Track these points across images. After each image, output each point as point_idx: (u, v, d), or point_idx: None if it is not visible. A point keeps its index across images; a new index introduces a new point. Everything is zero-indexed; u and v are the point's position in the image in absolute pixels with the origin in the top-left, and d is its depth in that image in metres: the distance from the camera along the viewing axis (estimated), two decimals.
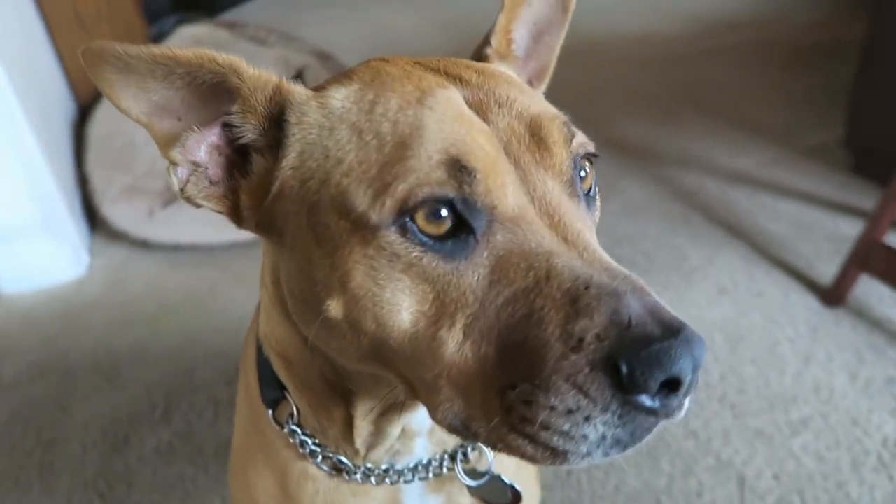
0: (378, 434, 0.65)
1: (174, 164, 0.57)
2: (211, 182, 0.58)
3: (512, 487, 0.72)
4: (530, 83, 0.70)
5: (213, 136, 0.57)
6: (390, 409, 0.63)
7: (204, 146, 0.57)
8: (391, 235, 0.49)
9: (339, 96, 0.55)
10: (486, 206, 0.50)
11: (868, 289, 1.74)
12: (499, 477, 0.71)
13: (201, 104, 0.56)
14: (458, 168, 0.49)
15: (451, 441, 0.71)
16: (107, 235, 2.10)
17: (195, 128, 0.56)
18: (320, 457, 0.67)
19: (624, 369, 0.43)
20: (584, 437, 0.45)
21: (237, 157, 0.58)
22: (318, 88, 0.58)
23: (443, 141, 0.50)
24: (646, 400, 0.44)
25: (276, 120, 0.56)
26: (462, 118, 0.52)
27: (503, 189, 0.50)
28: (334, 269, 0.51)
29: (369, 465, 0.67)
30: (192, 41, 2.67)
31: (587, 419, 0.45)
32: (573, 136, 0.56)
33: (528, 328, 0.47)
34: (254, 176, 0.57)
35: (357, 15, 4.15)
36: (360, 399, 0.63)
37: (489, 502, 0.71)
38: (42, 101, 2.03)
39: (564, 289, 0.47)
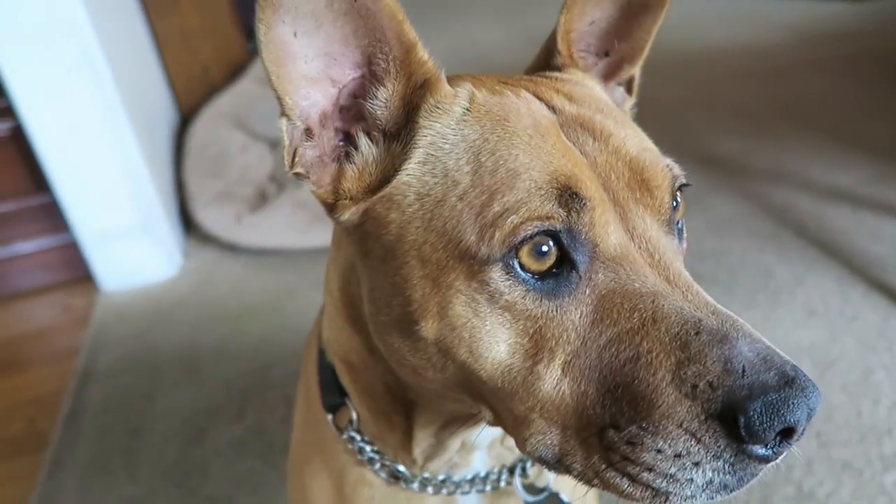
0: (437, 445, 0.65)
1: (289, 116, 0.52)
2: (321, 160, 0.55)
3: None
4: (620, 65, 0.69)
5: (333, 98, 0.54)
6: (451, 423, 0.64)
7: (321, 109, 0.54)
8: (496, 272, 0.49)
9: (467, 107, 0.54)
10: (589, 241, 0.50)
11: None
12: (556, 494, 0.70)
13: (352, 61, 0.53)
14: (570, 195, 0.49)
15: (510, 455, 0.70)
16: (199, 239, 2.22)
17: (332, 80, 0.53)
18: (378, 464, 0.68)
19: (742, 421, 0.44)
20: (691, 480, 0.46)
21: (347, 139, 0.56)
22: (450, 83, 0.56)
23: (553, 171, 0.50)
24: (760, 449, 0.45)
25: (409, 112, 0.55)
26: (569, 151, 0.52)
27: (606, 226, 0.50)
28: (434, 293, 0.51)
29: (426, 475, 0.68)
30: None
31: (696, 464, 0.45)
32: (676, 180, 0.56)
33: (634, 370, 0.47)
34: (360, 164, 0.55)
35: (442, 29, 4.21)
36: (421, 410, 0.63)
37: None
38: (147, 113, 2.17)
39: (673, 333, 0.47)
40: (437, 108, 0.54)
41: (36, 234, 2.05)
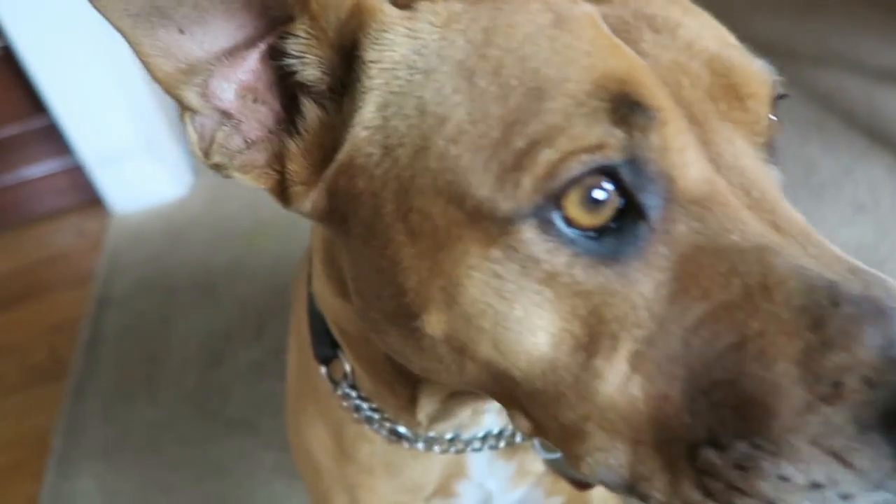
0: (445, 411, 0.58)
1: (190, 110, 0.41)
2: (247, 143, 0.43)
3: None
4: None
5: (248, 70, 0.42)
6: (463, 393, 0.54)
7: (235, 86, 0.42)
8: (528, 232, 0.36)
9: (437, 22, 0.40)
10: (663, 175, 0.36)
11: None
12: None
13: (232, 18, 0.40)
14: (628, 107, 0.35)
15: None
16: None
17: (221, 57, 0.41)
18: (377, 423, 0.60)
19: None
20: None
21: (283, 108, 0.44)
22: (401, 7, 0.43)
23: (599, 77, 0.36)
24: None
25: (347, 54, 0.41)
26: (616, 48, 0.38)
27: (684, 152, 0.36)
28: (436, 275, 0.38)
29: (432, 435, 0.60)
30: None
31: (845, 498, 0.32)
32: (775, 86, 0.41)
33: (740, 363, 0.33)
34: (306, 134, 0.43)
35: None
36: (429, 383, 0.54)
37: (564, 474, 0.64)
38: None
39: (796, 305, 0.33)
40: (386, 31, 0.40)
41: (41, 159, 1.99)
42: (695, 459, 0.34)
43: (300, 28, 0.41)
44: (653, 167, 0.36)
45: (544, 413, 0.39)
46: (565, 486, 0.70)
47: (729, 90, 0.39)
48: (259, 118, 0.43)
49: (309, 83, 0.42)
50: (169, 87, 0.41)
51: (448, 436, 0.60)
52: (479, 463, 0.65)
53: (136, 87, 1.87)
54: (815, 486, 0.32)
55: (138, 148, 1.91)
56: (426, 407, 0.56)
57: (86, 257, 1.89)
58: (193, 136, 0.42)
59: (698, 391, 0.34)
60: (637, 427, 0.36)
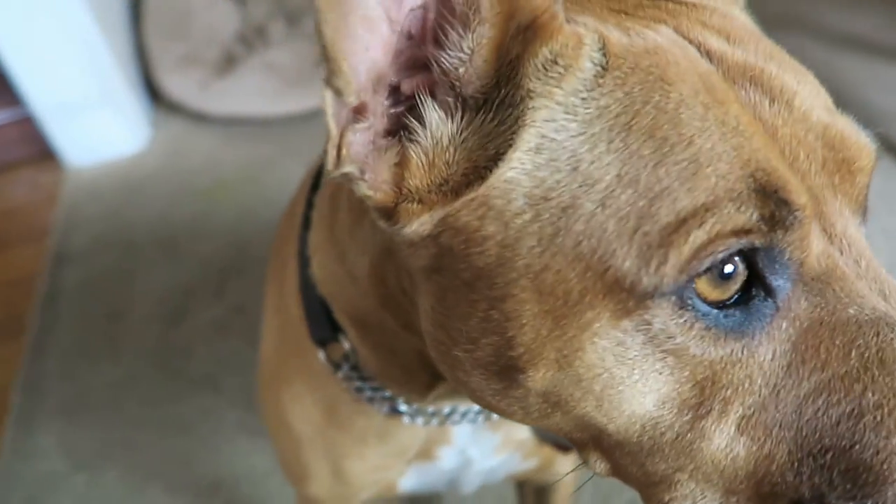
0: (453, 393, 0.58)
1: (340, 89, 0.36)
2: (376, 145, 0.39)
3: None
4: None
5: (400, 42, 0.37)
6: None
7: (378, 69, 0.37)
8: (666, 309, 0.36)
9: (599, 62, 0.38)
10: (794, 261, 0.37)
11: None
12: None
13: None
14: (776, 202, 0.35)
15: None
16: (166, 108, 2.08)
17: (390, 18, 0.36)
18: (378, 402, 0.61)
19: None
20: None
21: (405, 108, 0.39)
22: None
23: (748, 161, 0.36)
24: None
25: (504, 71, 0.37)
26: (757, 128, 0.38)
27: (812, 236, 0.37)
28: (556, 337, 0.38)
29: (431, 410, 0.61)
30: None
31: None
32: (876, 157, 0.43)
33: (855, 432, 0.36)
34: (429, 146, 0.39)
35: None
36: None
37: (548, 440, 0.66)
38: None
39: None
40: (556, 63, 0.37)
41: None
42: None
43: (483, 26, 0.36)
44: (787, 256, 0.37)
45: (630, 460, 0.40)
46: (540, 450, 0.72)
47: (842, 165, 0.40)
48: (385, 112, 0.39)
49: (448, 79, 0.38)
50: (339, 48, 0.35)
51: (446, 410, 0.61)
52: (464, 431, 0.67)
53: (90, 34, 1.80)
54: None
55: (93, 99, 1.84)
56: (439, 389, 0.57)
57: (41, 212, 1.84)
58: (331, 122, 0.37)
59: (807, 454, 0.37)
60: (734, 480, 0.38)
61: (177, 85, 1.99)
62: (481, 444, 0.69)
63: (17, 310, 1.58)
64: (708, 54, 0.40)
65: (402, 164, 0.39)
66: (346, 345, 0.59)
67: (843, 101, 0.39)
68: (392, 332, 0.54)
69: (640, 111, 0.37)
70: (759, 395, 0.37)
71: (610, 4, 0.44)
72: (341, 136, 0.38)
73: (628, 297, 0.36)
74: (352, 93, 0.36)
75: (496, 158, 0.38)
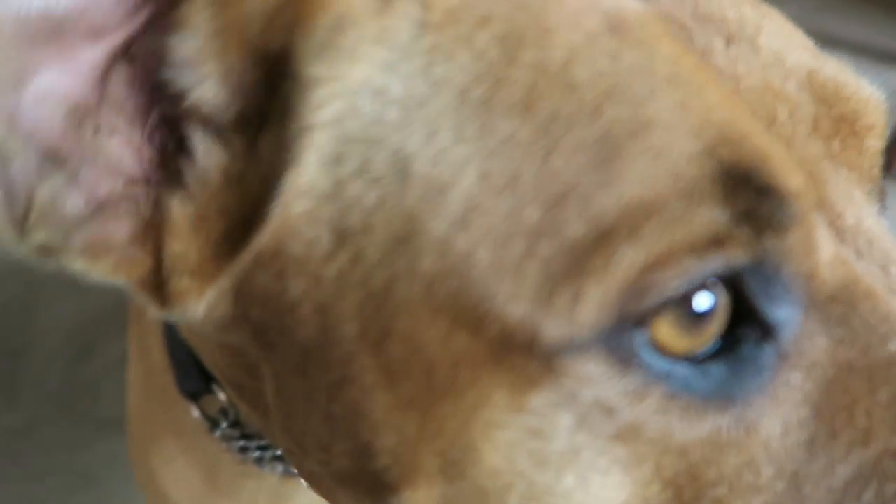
0: None
1: None
2: (94, 205, 0.27)
3: None
4: None
5: (83, 76, 0.26)
6: None
7: (75, 101, 0.26)
8: (596, 367, 0.24)
9: (425, 20, 0.26)
10: (799, 277, 0.25)
11: None
12: None
13: None
14: (754, 192, 0.24)
15: None
16: None
17: (44, 37, 0.24)
18: (268, 463, 0.50)
19: None
20: None
21: (159, 147, 0.28)
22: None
23: (697, 128, 0.24)
24: None
25: (273, 65, 0.26)
26: (708, 76, 0.26)
27: (816, 232, 0.26)
28: (430, 436, 0.26)
29: None
30: None
31: None
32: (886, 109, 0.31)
33: None
34: (200, 193, 0.28)
35: None
36: None
37: None
38: None
39: None
40: (341, 33, 0.25)
41: None
42: None
43: (195, 15, 0.25)
44: (787, 270, 0.25)
45: None
46: None
47: (842, 124, 0.28)
48: (111, 162, 0.27)
49: (205, 109, 0.26)
50: None
51: None
52: None
53: None
54: None
55: None
56: None
57: None
58: None
59: None
60: None
61: None
62: None
63: None
64: None
65: (155, 223, 0.27)
66: (223, 397, 0.48)
67: None
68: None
69: (505, 78, 0.25)
70: (772, 494, 0.25)
71: None
72: (28, 200, 0.25)
73: (529, 360, 0.24)
74: (13, 144, 0.24)
75: (277, 188, 0.26)
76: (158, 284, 0.28)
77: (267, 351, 0.29)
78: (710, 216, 0.23)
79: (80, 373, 1.33)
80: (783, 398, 0.25)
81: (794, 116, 0.27)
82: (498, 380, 0.25)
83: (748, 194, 0.24)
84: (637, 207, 0.23)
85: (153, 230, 0.28)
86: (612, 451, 0.25)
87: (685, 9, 0.28)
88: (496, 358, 0.25)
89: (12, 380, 1.34)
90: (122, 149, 0.27)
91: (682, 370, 0.25)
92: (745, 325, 0.25)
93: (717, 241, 0.23)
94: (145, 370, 0.59)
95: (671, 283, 0.23)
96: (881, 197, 0.31)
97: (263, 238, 0.26)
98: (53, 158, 0.26)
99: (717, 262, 0.24)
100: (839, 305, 0.26)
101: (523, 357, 0.24)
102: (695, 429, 0.25)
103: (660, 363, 0.24)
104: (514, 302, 0.24)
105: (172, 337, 0.50)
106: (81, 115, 0.26)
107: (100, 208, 0.27)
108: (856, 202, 0.28)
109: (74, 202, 0.27)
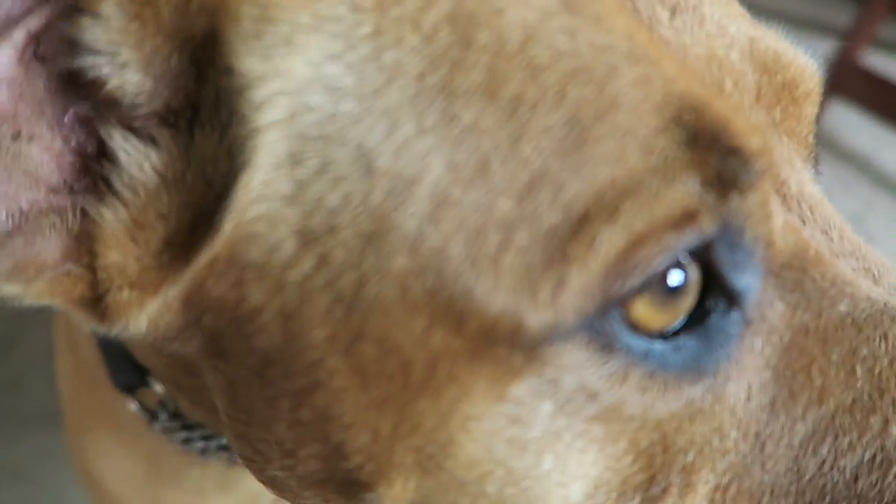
0: None
1: None
2: (13, 218, 0.25)
3: None
4: None
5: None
6: None
7: None
8: (579, 354, 0.24)
9: (364, 4, 0.24)
10: (760, 242, 0.26)
11: (837, 118, 1.58)
12: None
13: None
14: (720, 154, 0.24)
15: None
16: None
17: None
18: (213, 452, 0.48)
19: None
20: None
21: (77, 147, 0.26)
22: None
23: (661, 101, 0.24)
24: None
25: (201, 59, 0.24)
26: (664, 48, 0.26)
27: (771, 196, 0.27)
28: (407, 433, 0.26)
29: None
30: None
31: None
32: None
33: (884, 490, 0.26)
34: (134, 198, 0.26)
35: None
36: None
37: None
38: None
39: None
40: (274, 22, 0.24)
41: None
42: None
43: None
44: (749, 234, 0.26)
45: None
46: None
47: (782, 92, 0.29)
48: (31, 170, 0.24)
49: (126, 101, 0.24)
50: None
51: None
52: None
53: None
54: None
55: None
56: None
57: None
58: None
59: None
60: None
61: None
62: None
63: None
64: None
65: (87, 235, 0.25)
66: (160, 389, 0.46)
67: None
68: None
69: (462, 61, 0.24)
70: (737, 455, 0.26)
71: None
72: None
73: (511, 352, 0.24)
74: None
75: (227, 193, 0.24)
76: (95, 300, 0.26)
77: (218, 360, 0.28)
78: (684, 189, 0.23)
79: (2, 366, 1.26)
80: (747, 364, 0.26)
81: (739, 85, 0.28)
82: (478, 373, 0.24)
83: (716, 157, 0.24)
84: (612, 189, 0.23)
85: (86, 243, 0.26)
86: (590, 432, 0.25)
87: None
88: (476, 352, 0.24)
89: None
90: (41, 155, 0.25)
91: (658, 348, 0.25)
92: (712, 297, 0.26)
93: (691, 213, 0.24)
94: (75, 363, 0.56)
95: (654, 260, 0.23)
96: (816, 161, 0.32)
97: (216, 245, 0.25)
98: None
99: (692, 234, 0.24)
100: (793, 271, 0.27)
101: (505, 349, 0.24)
102: (670, 403, 0.25)
103: (639, 343, 0.25)
104: (493, 295, 0.24)
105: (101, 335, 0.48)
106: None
107: (23, 223, 0.25)
108: (798, 169, 0.29)
109: None
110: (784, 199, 0.28)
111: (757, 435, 0.26)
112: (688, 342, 0.26)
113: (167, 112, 0.25)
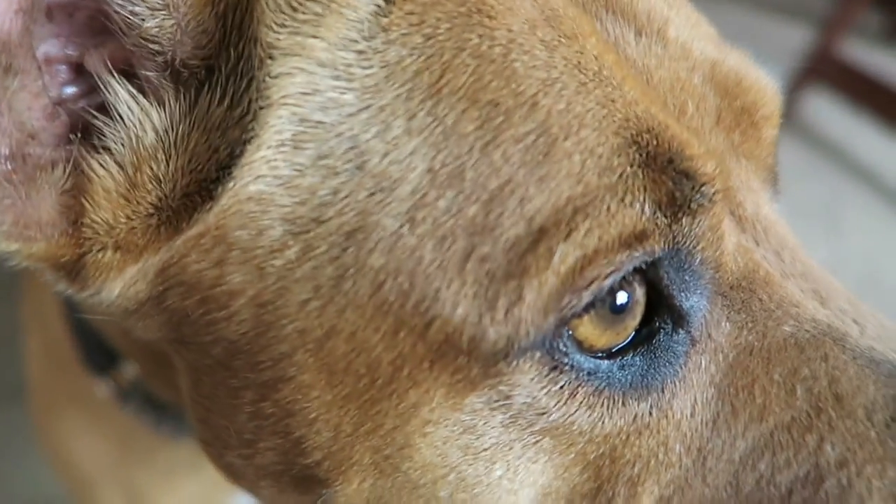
0: None
1: None
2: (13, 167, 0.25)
3: None
4: None
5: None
6: None
7: None
8: (530, 372, 0.25)
9: (373, 7, 0.25)
10: (709, 265, 0.27)
11: (812, 106, 1.61)
12: None
13: None
14: (673, 177, 0.25)
15: None
16: None
17: None
18: (185, 432, 0.48)
19: None
20: None
21: (76, 93, 0.26)
22: None
23: (622, 122, 0.25)
24: None
25: (235, 24, 0.25)
26: (628, 70, 0.27)
27: (724, 219, 0.27)
28: (366, 434, 0.27)
29: None
30: None
31: None
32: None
33: (815, 501, 0.26)
34: (132, 156, 0.25)
35: None
36: None
37: None
38: None
39: (883, 418, 0.26)
40: (303, 4, 0.24)
41: None
42: None
43: None
44: (698, 257, 0.26)
45: None
46: None
47: (742, 115, 0.29)
48: (19, 112, 0.24)
49: (152, 46, 0.24)
50: None
51: None
52: None
53: None
54: None
55: None
56: None
57: None
58: None
59: None
60: None
61: None
62: None
63: None
64: None
65: (78, 189, 0.25)
66: (131, 371, 0.46)
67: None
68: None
69: (452, 64, 0.24)
70: (680, 468, 0.27)
71: None
72: None
73: (470, 363, 0.25)
74: None
75: (231, 164, 0.24)
76: (76, 259, 0.26)
77: (179, 345, 0.28)
78: (638, 209, 0.24)
79: None
80: (693, 381, 0.27)
81: (700, 109, 0.28)
82: (439, 381, 0.25)
83: (669, 181, 0.25)
84: (571, 206, 0.24)
85: (79, 199, 0.25)
86: (540, 444, 0.26)
87: (598, 0, 0.28)
88: (438, 359, 0.25)
89: None
90: (31, 99, 0.24)
91: (605, 366, 0.26)
92: (659, 317, 0.27)
93: (643, 234, 0.24)
94: (45, 342, 0.56)
95: (606, 278, 0.24)
96: (775, 183, 0.33)
97: (209, 218, 0.25)
98: None
99: (643, 254, 0.24)
100: (741, 292, 0.27)
101: (465, 360, 0.25)
102: (617, 419, 0.26)
103: (587, 362, 0.26)
104: (457, 303, 0.24)
105: (74, 313, 0.47)
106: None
107: (20, 165, 0.24)
108: (754, 191, 0.29)
109: None
110: (739, 220, 0.29)
111: (700, 449, 0.27)
112: (635, 360, 0.27)
113: (182, 67, 0.25)
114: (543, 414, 0.25)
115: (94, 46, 0.25)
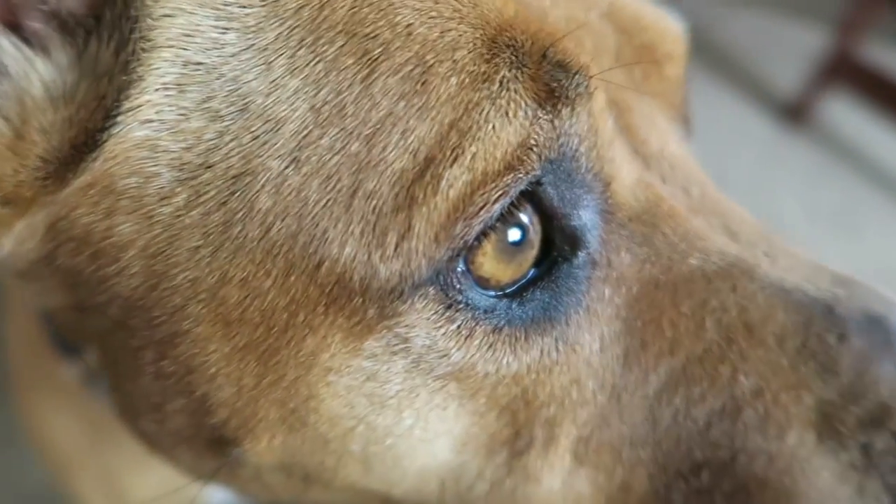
0: None
1: None
2: None
3: None
4: None
5: None
6: None
7: None
8: (425, 308, 0.25)
9: None
10: (596, 177, 0.27)
11: (832, 107, 1.60)
12: None
13: None
14: (549, 69, 0.25)
15: None
16: None
17: None
18: None
19: None
20: None
21: None
22: None
23: (496, 29, 0.25)
24: None
25: None
26: (510, 4, 0.27)
27: (613, 145, 0.27)
28: (269, 386, 0.26)
29: None
30: None
31: None
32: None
33: (733, 435, 0.25)
34: (26, 99, 0.25)
35: None
36: None
37: None
38: None
39: (794, 346, 0.25)
40: None
41: None
42: None
43: None
44: (584, 166, 0.26)
45: None
46: None
47: (642, 53, 0.30)
48: None
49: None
50: None
51: None
52: None
53: None
54: None
55: None
56: None
57: None
58: None
59: (675, 476, 0.26)
60: None
61: None
62: None
63: None
64: None
65: None
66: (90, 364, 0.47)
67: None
68: None
69: (328, 3, 0.24)
70: (596, 406, 0.27)
71: None
72: None
73: (365, 304, 0.24)
74: None
75: (118, 111, 0.24)
76: None
77: (80, 313, 0.28)
78: (521, 116, 0.24)
79: None
80: (598, 313, 0.27)
81: (599, 48, 0.28)
82: (335, 325, 0.25)
83: (546, 74, 0.25)
84: (455, 131, 0.23)
85: None
86: (446, 389, 0.26)
87: None
88: (332, 303, 0.25)
89: None
90: None
91: (504, 304, 0.26)
92: (556, 242, 0.27)
93: (526, 145, 0.24)
94: (21, 324, 0.57)
95: (496, 203, 0.24)
96: (687, 123, 0.32)
97: (95, 166, 0.24)
98: None
99: (527, 175, 0.24)
100: (642, 226, 0.27)
101: (358, 300, 0.24)
102: (522, 357, 0.26)
103: (483, 299, 0.25)
104: (345, 242, 0.24)
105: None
106: None
107: None
108: (659, 128, 0.30)
109: None
110: (644, 157, 0.28)
111: (613, 386, 0.27)
112: (535, 293, 0.26)
113: (69, 16, 0.25)
114: (444, 356, 0.25)
115: None
